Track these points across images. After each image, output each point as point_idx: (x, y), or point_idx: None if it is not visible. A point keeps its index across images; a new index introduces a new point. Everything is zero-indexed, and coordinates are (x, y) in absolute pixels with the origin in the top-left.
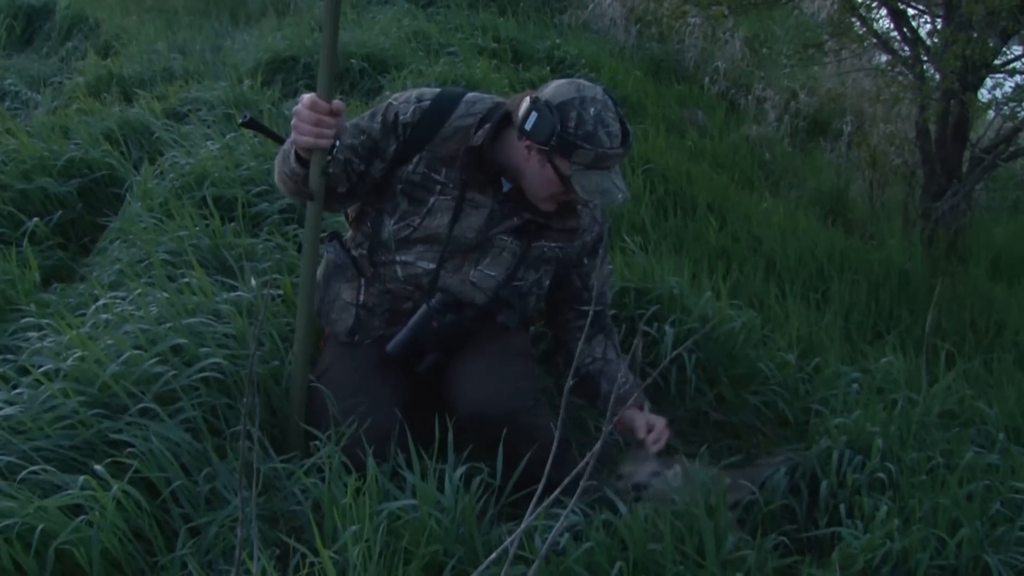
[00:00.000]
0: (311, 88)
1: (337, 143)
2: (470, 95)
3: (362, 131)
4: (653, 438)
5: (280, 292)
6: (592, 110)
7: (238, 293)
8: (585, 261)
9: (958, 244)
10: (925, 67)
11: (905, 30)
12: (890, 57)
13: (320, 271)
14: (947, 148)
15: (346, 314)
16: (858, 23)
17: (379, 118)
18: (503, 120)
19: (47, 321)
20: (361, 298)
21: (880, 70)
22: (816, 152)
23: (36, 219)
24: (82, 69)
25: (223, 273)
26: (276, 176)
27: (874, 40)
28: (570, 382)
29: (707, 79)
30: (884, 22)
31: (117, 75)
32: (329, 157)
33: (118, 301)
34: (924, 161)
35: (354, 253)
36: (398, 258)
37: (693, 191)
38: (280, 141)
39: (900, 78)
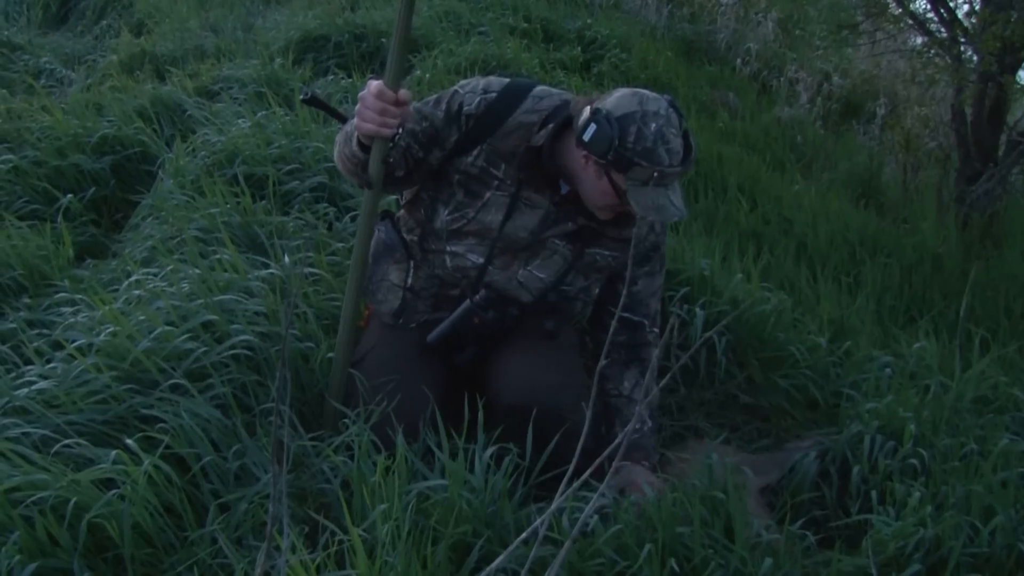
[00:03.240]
0: (342, 67)
1: (400, 131)
2: (539, 89)
3: (424, 117)
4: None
5: (314, 271)
6: (653, 126)
7: (270, 270)
8: (633, 269)
9: (993, 228)
10: (962, 48)
11: (942, 11)
12: (926, 39)
13: (370, 251)
14: (983, 131)
15: (392, 296)
16: (894, 4)
17: (443, 106)
18: (566, 123)
19: (80, 296)
20: (409, 281)
21: (916, 52)
22: (849, 134)
23: (70, 195)
24: (116, 47)
25: (254, 251)
26: (335, 155)
27: (910, 21)
28: (594, 393)
29: (739, 60)
30: (921, 3)
31: (150, 53)
32: (391, 145)
33: (150, 277)
34: (959, 144)
35: (406, 237)
36: (448, 248)
37: (724, 172)
38: (342, 120)
39: (936, 60)
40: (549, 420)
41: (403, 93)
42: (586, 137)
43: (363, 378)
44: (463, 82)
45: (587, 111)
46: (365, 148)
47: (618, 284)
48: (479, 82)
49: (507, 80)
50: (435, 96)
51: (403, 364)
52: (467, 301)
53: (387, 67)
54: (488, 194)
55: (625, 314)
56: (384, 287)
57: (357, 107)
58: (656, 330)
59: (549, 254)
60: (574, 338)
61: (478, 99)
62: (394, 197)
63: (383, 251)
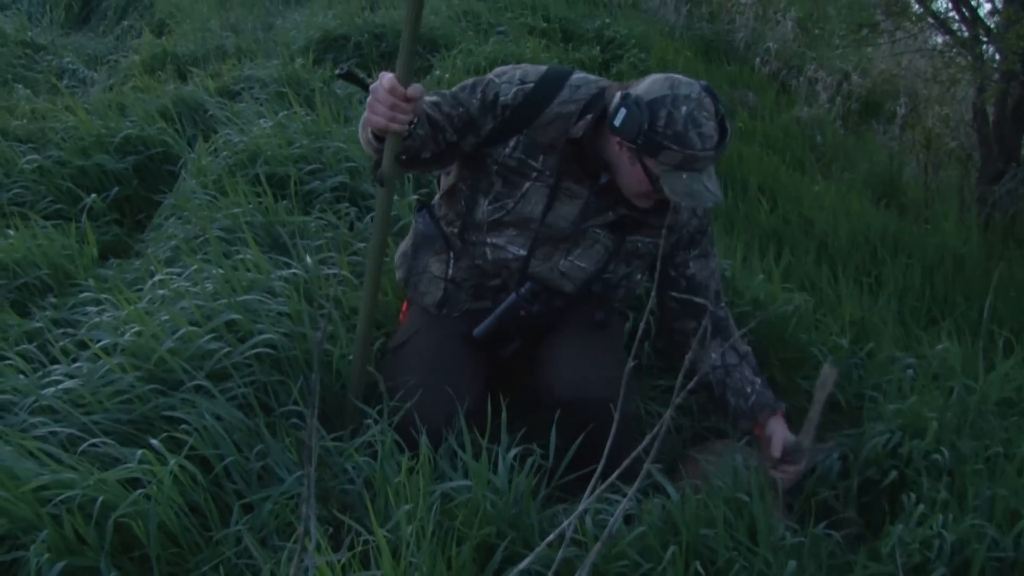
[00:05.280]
0: (361, 67)
1: (414, 122)
2: (575, 77)
3: (460, 103)
4: (785, 466)
5: (338, 271)
6: (684, 109)
7: (292, 270)
8: (679, 254)
9: (1015, 228)
10: (984, 48)
11: (964, 10)
12: (948, 38)
13: (409, 241)
14: (1005, 130)
15: (434, 287)
16: (915, 2)
17: (479, 94)
18: (604, 112)
19: (105, 296)
20: (450, 272)
21: (937, 51)
22: (869, 134)
23: (93, 195)
24: (137, 47)
25: (276, 250)
26: (360, 135)
27: (931, 20)
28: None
29: (758, 60)
30: (942, 1)
31: (171, 53)
32: (406, 137)
33: (174, 277)
34: (981, 144)
35: (446, 229)
36: (489, 240)
37: (744, 172)
38: None
39: (958, 59)
40: (602, 413)
41: (413, 89)
42: (617, 122)
43: (405, 365)
44: (499, 69)
45: (618, 96)
46: (380, 138)
47: (669, 268)
48: (515, 71)
49: (544, 69)
50: (471, 82)
51: (447, 347)
52: (513, 295)
53: (398, 62)
54: (527, 185)
55: (687, 298)
56: (425, 279)
57: (368, 100)
58: (723, 305)
59: (590, 243)
60: (620, 327)
61: (515, 89)
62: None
63: (422, 243)
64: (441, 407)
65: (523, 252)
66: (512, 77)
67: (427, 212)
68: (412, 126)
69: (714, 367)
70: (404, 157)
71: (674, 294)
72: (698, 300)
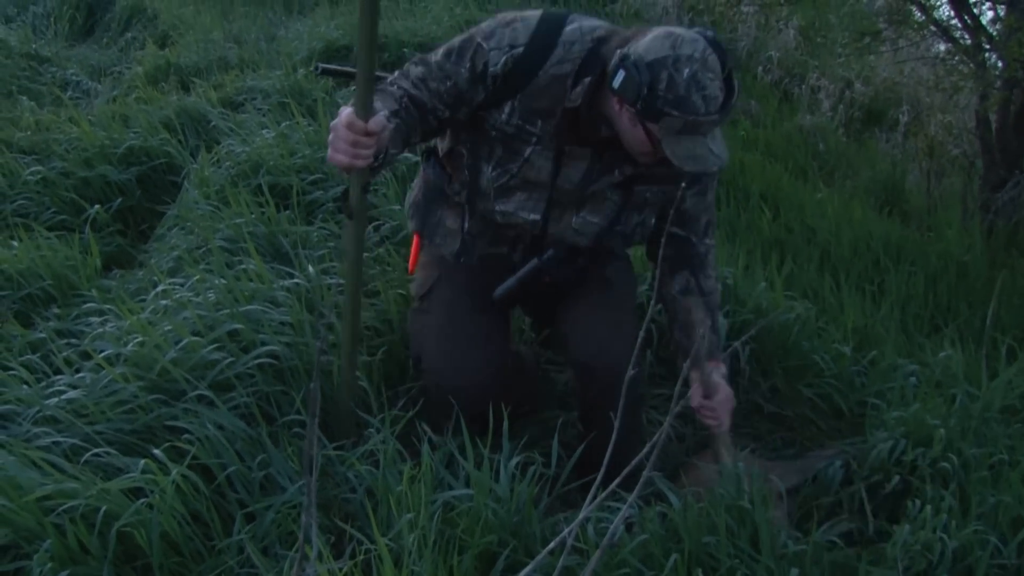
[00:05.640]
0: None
1: (380, 157)
2: (569, 30)
3: (448, 76)
4: (708, 413)
5: (340, 281)
6: (686, 71)
7: (295, 280)
8: (682, 187)
9: (1018, 236)
10: (986, 55)
11: (966, 17)
12: (950, 45)
13: (419, 191)
14: (1008, 138)
15: (451, 239)
16: (917, 11)
17: (467, 64)
18: (603, 75)
19: (108, 307)
20: (466, 225)
21: (939, 59)
22: (871, 142)
23: (97, 206)
24: (141, 59)
25: (278, 260)
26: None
27: (933, 28)
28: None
29: (760, 68)
30: (944, 9)
31: (174, 64)
32: (374, 167)
33: (177, 287)
34: (984, 151)
35: (454, 199)
36: (498, 207)
37: (746, 181)
38: None
39: (960, 67)
40: (615, 378)
41: (374, 123)
42: (615, 84)
43: (427, 320)
44: (485, 29)
45: (616, 55)
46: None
47: (669, 209)
48: (504, 33)
49: (534, 23)
50: (458, 44)
51: (465, 312)
52: (535, 260)
53: (355, 95)
54: (528, 150)
55: (673, 229)
56: (441, 232)
57: (329, 137)
58: (708, 241)
59: (599, 200)
60: (633, 285)
61: (504, 57)
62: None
63: (435, 195)
64: (462, 371)
65: (536, 216)
66: (501, 41)
67: (434, 159)
68: (378, 160)
69: (673, 296)
70: (371, 188)
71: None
72: (680, 232)
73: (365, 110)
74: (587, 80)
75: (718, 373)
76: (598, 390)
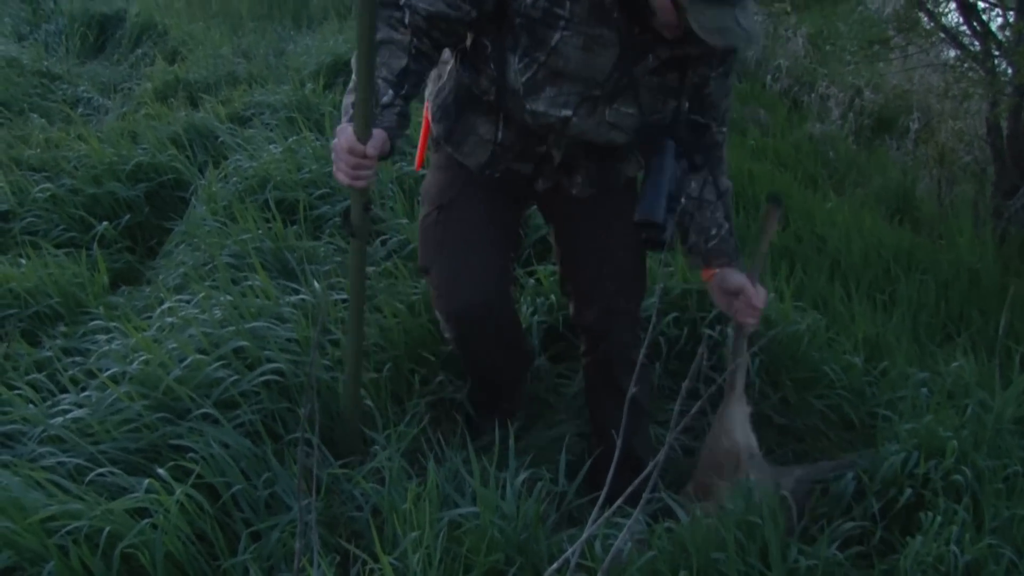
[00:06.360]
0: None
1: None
2: None
3: None
4: (743, 311)
5: (344, 296)
6: None
7: (301, 296)
8: (702, 70)
9: None
10: (996, 62)
11: (975, 24)
12: (959, 52)
13: (450, 91)
14: (1020, 144)
15: (481, 150)
16: (926, 18)
17: None
18: None
19: (115, 324)
20: (499, 136)
21: (949, 66)
22: (882, 150)
23: (105, 223)
24: (150, 75)
25: (285, 276)
26: None
27: (942, 35)
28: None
29: (769, 77)
30: (953, 16)
31: (184, 80)
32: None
33: (183, 304)
34: (995, 158)
35: (485, 101)
36: (528, 106)
37: (755, 190)
38: None
39: (970, 74)
40: (621, 349)
41: (373, 145)
42: None
43: (443, 237)
44: None
45: None
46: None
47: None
48: None
49: None
50: None
51: (485, 220)
52: (664, 155)
53: (355, 117)
54: (556, 36)
55: (694, 116)
56: (471, 141)
57: (333, 155)
58: (724, 129)
59: (633, 90)
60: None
61: None
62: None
63: (467, 99)
64: (470, 290)
65: (568, 112)
66: None
67: (469, 62)
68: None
69: (689, 196)
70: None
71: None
72: (700, 119)
73: (365, 133)
74: None
75: (738, 274)
76: (604, 357)
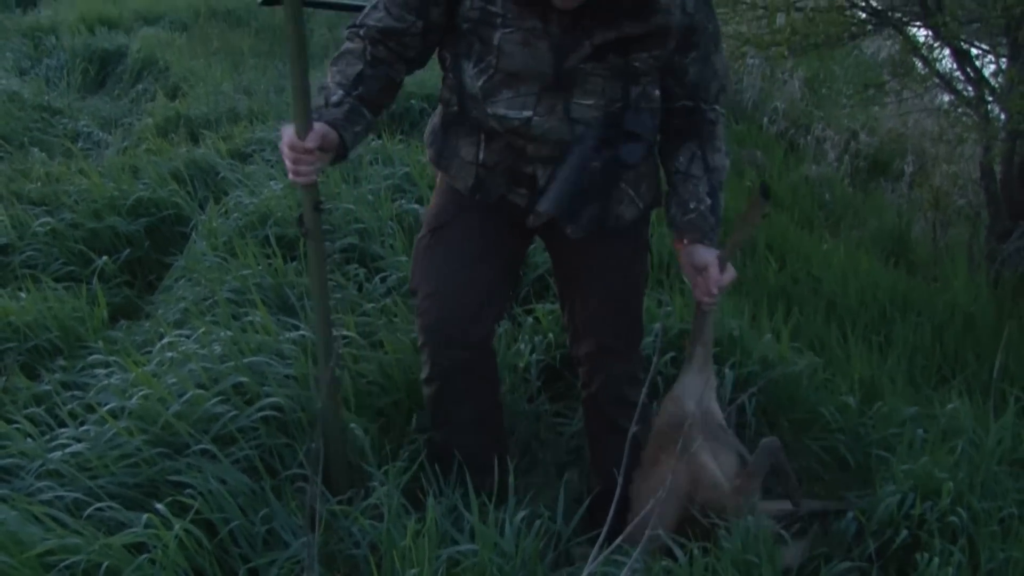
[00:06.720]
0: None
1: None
2: None
3: None
4: (702, 289)
5: (345, 333)
6: None
7: (301, 332)
8: (676, 61)
9: None
10: (990, 107)
11: (969, 70)
12: (953, 97)
13: (437, 113)
14: (1013, 188)
15: (466, 172)
16: (920, 63)
17: None
18: None
19: (114, 359)
20: (481, 156)
21: (943, 110)
22: (877, 192)
23: (105, 257)
24: (151, 110)
25: (285, 312)
26: None
27: (937, 80)
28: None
29: (766, 119)
30: (947, 62)
31: (184, 116)
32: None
33: (182, 339)
34: (989, 202)
35: (449, 110)
36: (489, 111)
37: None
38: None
39: (964, 118)
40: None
41: (311, 139)
42: None
43: (435, 260)
44: None
45: None
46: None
47: (669, 79)
48: None
49: None
50: None
51: (478, 249)
52: (574, 153)
53: (293, 114)
54: (497, 35)
55: (681, 102)
56: (456, 163)
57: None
58: (717, 107)
59: (582, 81)
60: (644, 264)
61: None
62: None
63: (452, 119)
64: (454, 322)
65: (528, 113)
66: None
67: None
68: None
69: (677, 170)
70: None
71: (667, 105)
72: (688, 103)
73: (303, 127)
74: None
75: (708, 252)
76: (599, 391)
